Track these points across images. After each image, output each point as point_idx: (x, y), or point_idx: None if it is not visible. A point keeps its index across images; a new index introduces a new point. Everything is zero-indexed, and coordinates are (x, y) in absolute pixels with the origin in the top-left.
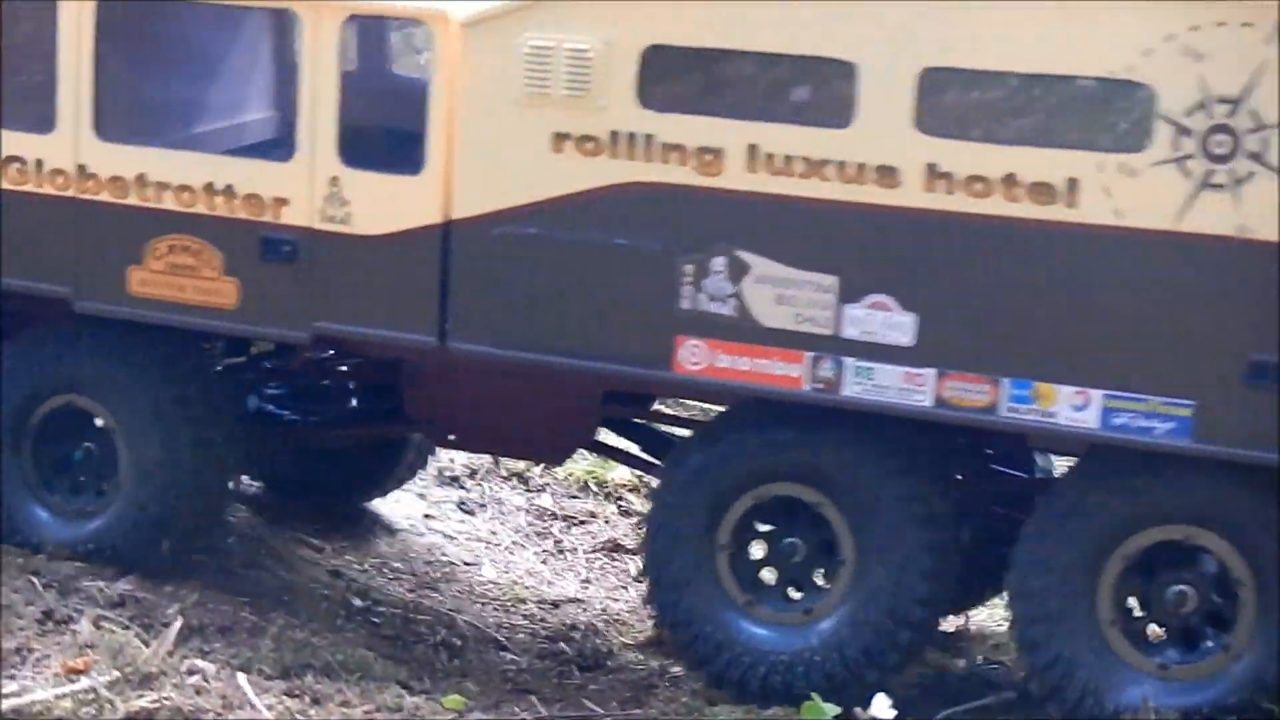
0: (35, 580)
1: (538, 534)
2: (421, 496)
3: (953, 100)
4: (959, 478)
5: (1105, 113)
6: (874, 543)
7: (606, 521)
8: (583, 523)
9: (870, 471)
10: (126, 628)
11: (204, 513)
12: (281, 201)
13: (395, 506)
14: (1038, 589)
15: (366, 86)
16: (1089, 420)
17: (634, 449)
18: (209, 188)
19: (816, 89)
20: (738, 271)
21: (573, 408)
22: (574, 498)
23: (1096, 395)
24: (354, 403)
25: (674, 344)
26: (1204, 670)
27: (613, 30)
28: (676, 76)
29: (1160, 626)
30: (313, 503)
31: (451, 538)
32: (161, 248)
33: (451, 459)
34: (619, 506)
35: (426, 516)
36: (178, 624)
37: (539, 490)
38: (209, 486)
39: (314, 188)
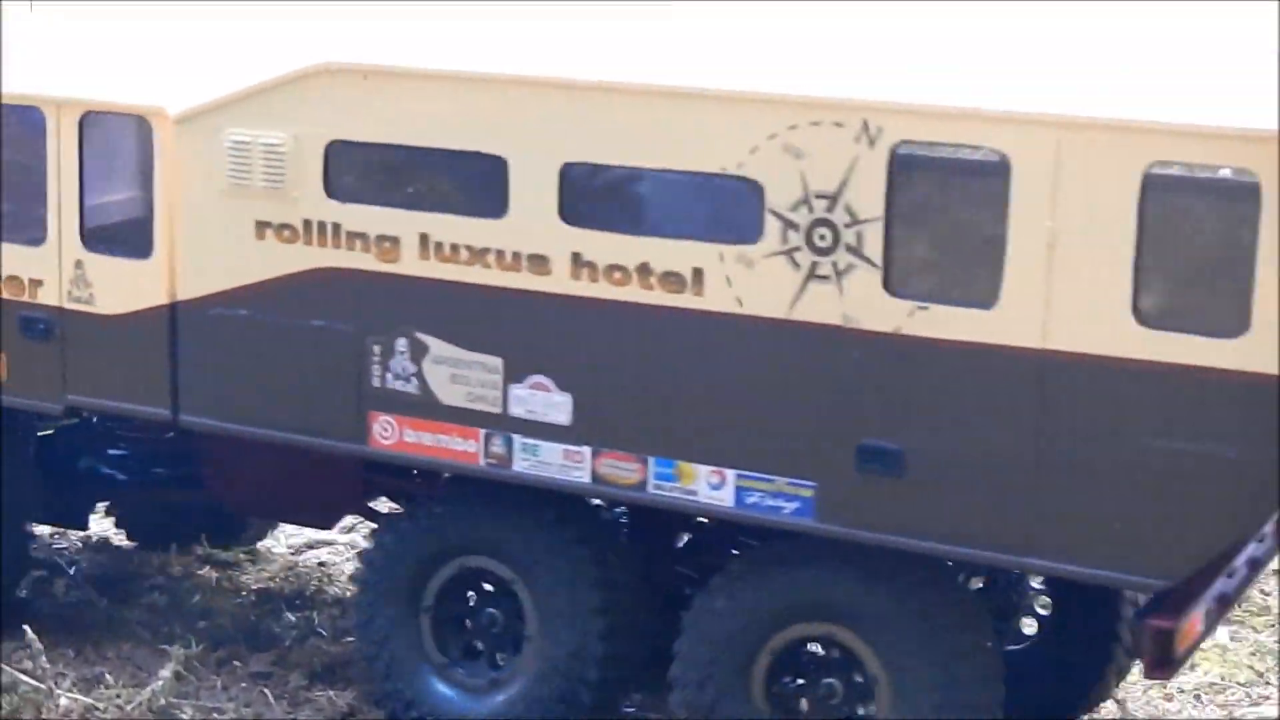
0: None
1: None
2: None
3: (593, 193)
4: (641, 550)
5: (724, 206)
6: (553, 615)
7: None
8: None
9: (545, 545)
10: None
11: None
12: (37, 283)
13: None
14: (694, 678)
15: (107, 176)
16: (725, 499)
17: None
18: None
19: (477, 183)
20: (418, 352)
21: (335, 476)
22: None
23: (730, 475)
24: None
25: (368, 419)
26: None
27: (301, 126)
28: (357, 169)
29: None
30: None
31: None
32: None
33: None
34: None
35: None
36: None
37: None
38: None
39: (62, 271)
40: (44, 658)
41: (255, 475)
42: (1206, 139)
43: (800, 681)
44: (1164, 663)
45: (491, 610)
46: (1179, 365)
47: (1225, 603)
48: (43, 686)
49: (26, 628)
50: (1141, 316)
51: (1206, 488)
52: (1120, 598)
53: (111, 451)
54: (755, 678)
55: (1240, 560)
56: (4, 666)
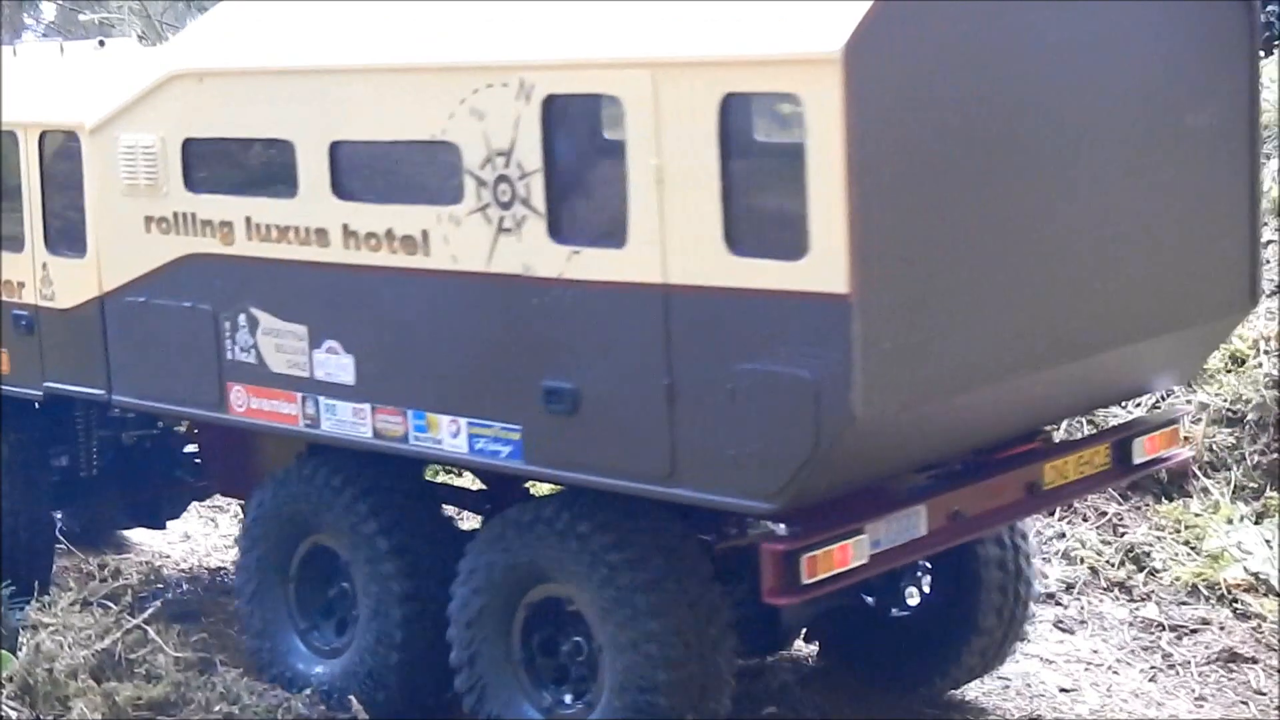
0: None
1: (1143, 648)
2: None
3: (353, 167)
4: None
5: (438, 171)
6: (364, 582)
7: (1221, 628)
8: (1194, 631)
9: (353, 516)
10: None
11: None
12: (21, 285)
13: None
14: (461, 637)
15: (64, 187)
16: (461, 446)
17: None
18: None
19: (278, 167)
20: (253, 325)
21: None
22: (1183, 604)
23: (463, 423)
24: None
25: (226, 390)
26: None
27: (165, 127)
28: (206, 163)
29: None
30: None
31: (1049, 661)
32: None
33: (1045, 575)
34: (1234, 610)
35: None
36: None
37: (1143, 599)
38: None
39: (35, 273)
40: None
41: (224, 451)
42: (763, 67)
43: (553, 639)
44: (784, 588)
45: (343, 584)
46: (761, 290)
47: (913, 550)
48: None
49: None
50: (731, 244)
51: (789, 408)
52: (980, 562)
53: (186, 452)
54: (514, 636)
55: (914, 513)
56: None
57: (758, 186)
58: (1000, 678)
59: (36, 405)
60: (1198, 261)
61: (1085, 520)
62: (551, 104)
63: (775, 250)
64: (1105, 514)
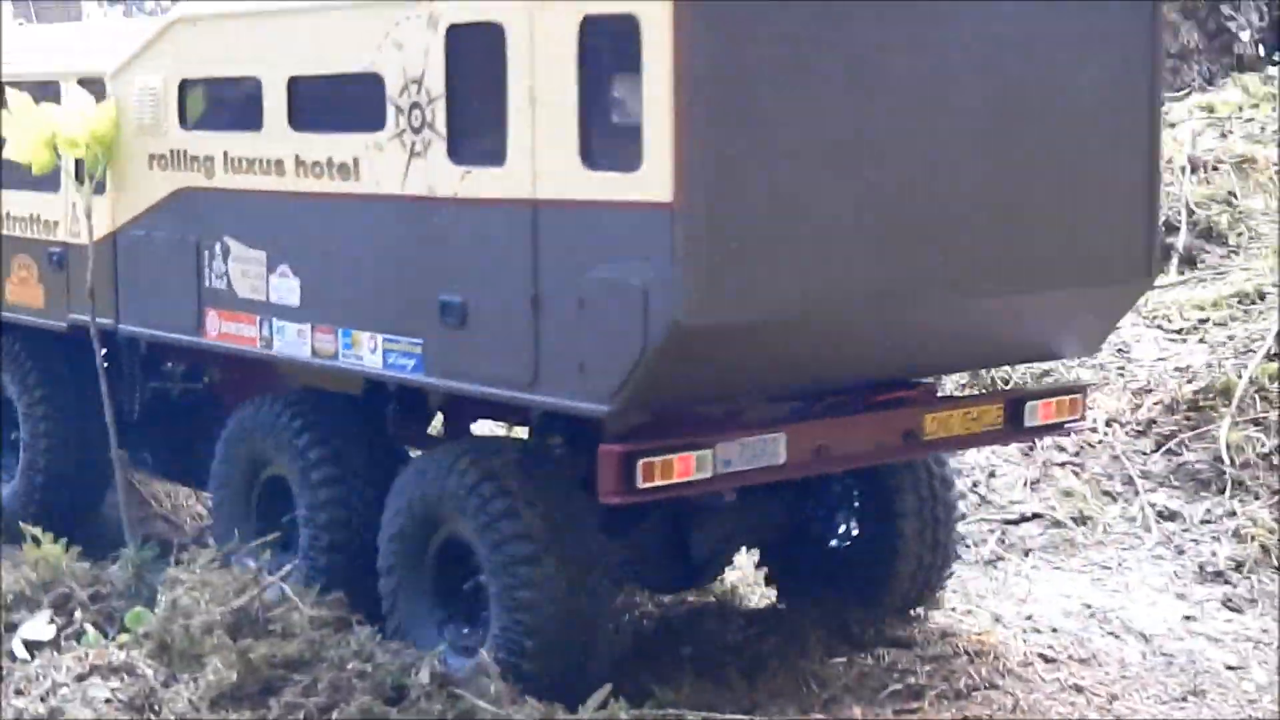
0: None
1: None
2: (1181, 596)
3: (306, 101)
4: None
5: (367, 100)
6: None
7: None
8: None
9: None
10: None
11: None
12: (55, 223)
13: (1151, 610)
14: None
15: None
16: (377, 362)
17: None
18: (32, 218)
19: (251, 103)
20: (225, 253)
21: None
22: None
23: (380, 339)
24: None
25: (204, 315)
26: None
27: (166, 70)
28: (196, 102)
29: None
30: None
31: (1216, 639)
32: (15, 265)
33: (1214, 553)
34: None
35: (1186, 619)
36: None
37: None
38: None
39: (68, 211)
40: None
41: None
42: None
43: (457, 572)
44: (620, 489)
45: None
46: (607, 202)
47: (768, 474)
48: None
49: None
50: (585, 159)
51: (624, 313)
52: (895, 491)
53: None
54: (427, 562)
55: (773, 439)
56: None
57: (609, 105)
58: (1164, 654)
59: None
60: (1089, 227)
61: (1257, 498)
62: (453, 32)
63: (619, 163)
64: (1279, 491)
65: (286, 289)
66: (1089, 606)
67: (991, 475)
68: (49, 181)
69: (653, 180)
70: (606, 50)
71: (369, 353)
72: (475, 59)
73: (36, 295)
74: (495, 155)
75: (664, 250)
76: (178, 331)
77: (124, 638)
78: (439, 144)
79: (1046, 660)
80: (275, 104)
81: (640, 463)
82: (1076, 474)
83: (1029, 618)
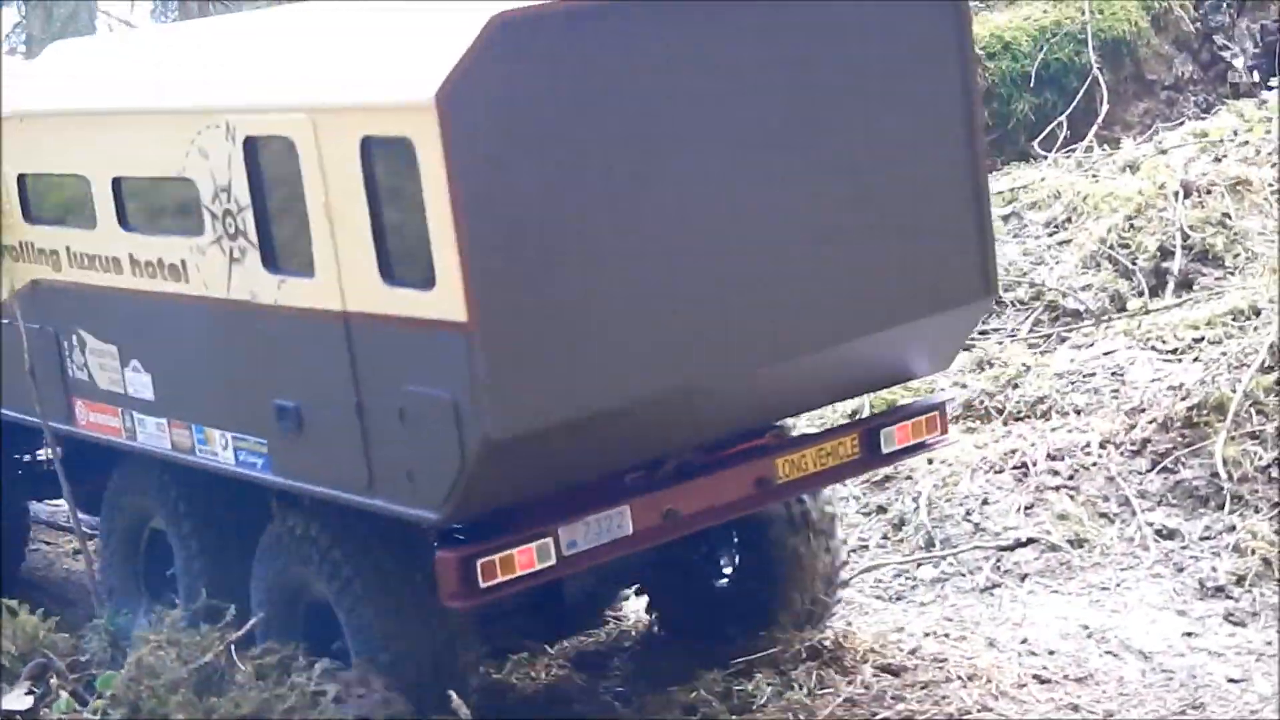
0: None
1: None
2: (1181, 613)
3: (131, 202)
4: None
5: (184, 204)
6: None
7: None
8: None
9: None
10: None
11: None
12: None
13: (1151, 628)
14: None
15: None
16: (230, 459)
17: None
18: None
19: (85, 200)
20: (83, 345)
21: None
22: None
23: (230, 437)
24: None
25: (71, 404)
26: None
27: (10, 162)
28: (37, 196)
29: None
30: None
31: (1218, 654)
32: None
33: (1214, 569)
34: None
35: (1187, 635)
36: None
37: None
38: None
39: None
40: None
41: None
42: (382, 113)
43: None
44: (463, 592)
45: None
46: (410, 318)
47: (620, 547)
48: None
49: (452, 694)
50: (384, 275)
51: (440, 427)
52: (769, 526)
53: None
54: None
55: (617, 513)
56: None
57: (398, 222)
58: (1164, 670)
59: None
60: (924, 258)
61: (1257, 511)
62: (249, 144)
63: (414, 281)
64: (1279, 504)
65: (141, 383)
66: (1086, 627)
67: (984, 503)
68: None
69: (446, 300)
70: (390, 169)
71: (221, 449)
72: (274, 170)
73: None
74: (305, 266)
75: (466, 368)
76: (54, 420)
77: (98, 703)
78: (253, 252)
79: (1041, 681)
80: (104, 203)
81: (480, 563)
82: (1072, 497)
83: (1024, 641)
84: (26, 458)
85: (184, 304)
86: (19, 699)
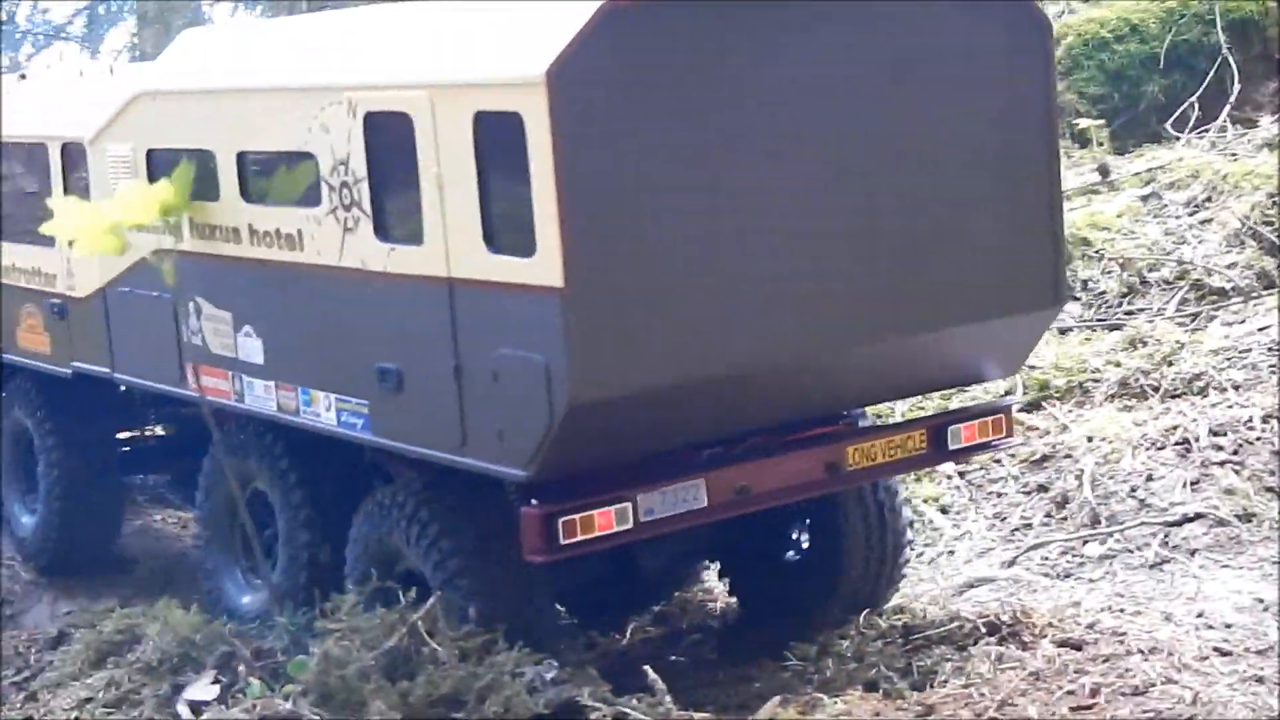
0: None
1: None
2: None
3: (253, 174)
4: None
5: (304, 177)
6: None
7: None
8: None
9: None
10: None
11: None
12: (54, 276)
13: None
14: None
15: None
16: (332, 419)
17: None
18: (33, 270)
19: (212, 173)
20: (199, 312)
21: None
22: None
23: (333, 398)
24: None
25: (184, 368)
26: None
27: (134, 139)
28: (160, 169)
29: None
30: None
31: None
32: (23, 313)
33: None
34: None
35: None
36: None
37: None
38: None
39: (63, 266)
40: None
41: None
42: (495, 89)
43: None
44: (544, 547)
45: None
46: (510, 284)
47: (694, 518)
48: None
49: (648, 668)
50: (489, 243)
51: (531, 389)
52: (843, 514)
53: None
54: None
55: (694, 485)
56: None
57: (505, 193)
58: None
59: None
60: (995, 261)
61: None
62: (370, 120)
63: (516, 249)
64: None
65: (252, 348)
66: (1261, 601)
67: (1149, 479)
68: (46, 236)
69: (544, 267)
70: (500, 142)
71: (324, 410)
72: (391, 144)
73: (43, 342)
74: (414, 235)
75: (559, 332)
76: (164, 382)
77: (289, 688)
78: (366, 222)
79: (1223, 654)
80: (228, 177)
81: (561, 521)
82: (1237, 472)
83: (1200, 615)
84: (126, 434)
85: (298, 272)
86: (205, 689)
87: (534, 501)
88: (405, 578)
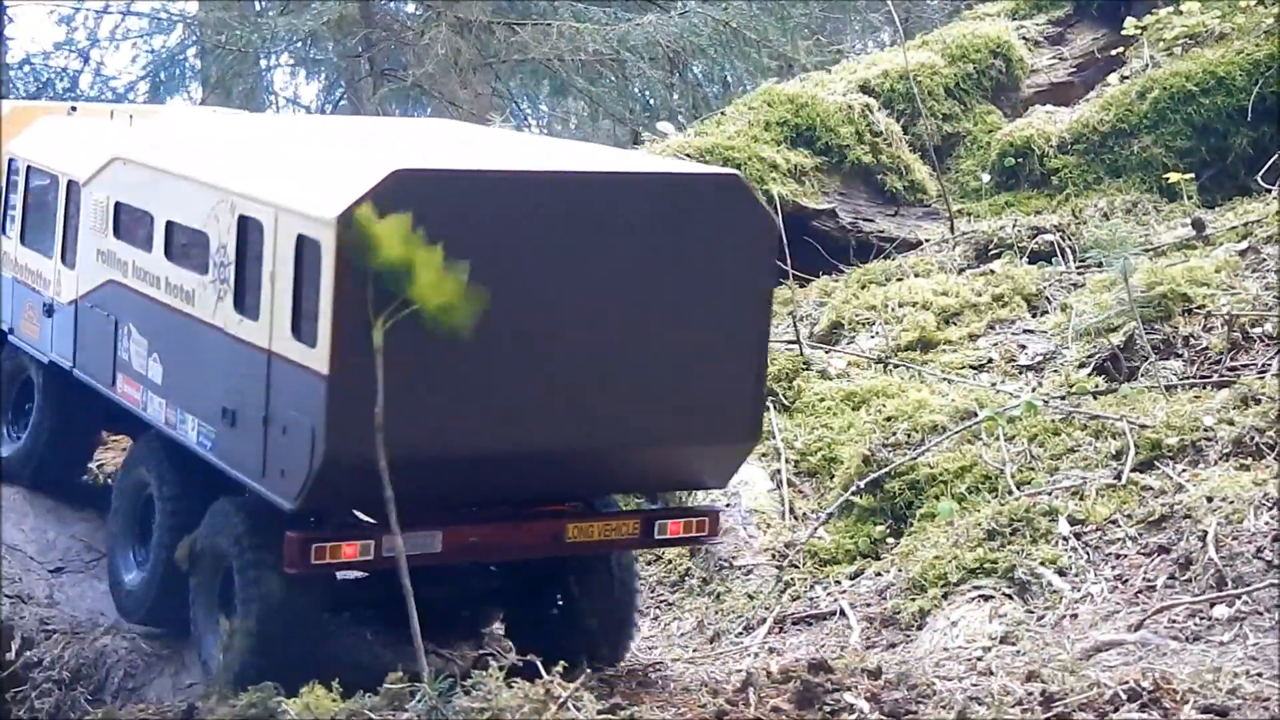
0: None
1: None
2: None
3: (174, 240)
4: None
5: (201, 251)
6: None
7: None
8: None
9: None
10: None
11: None
12: (48, 280)
13: None
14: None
15: (71, 216)
16: (194, 438)
17: None
18: (35, 273)
19: (144, 229)
20: (129, 334)
21: None
22: None
23: (197, 421)
24: None
25: (117, 377)
26: None
27: (107, 190)
28: (123, 220)
29: None
30: None
31: None
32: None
33: None
34: None
35: None
36: None
37: None
38: None
39: (55, 273)
40: None
41: None
42: (304, 219)
43: None
44: (297, 563)
45: None
46: (303, 364)
47: (425, 559)
48: None
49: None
50: (293, 331)
51: (302, 443)
52: (581, 577)
53: None
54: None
55: (430, 535)
56: None
57: (306, 296)
58: None
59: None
60: (701, 402)
61: None
62: (241, 220)
63: (307, 339)
64: None
65: (156, 370)
66: None
67: (1275, 539)
68: (46, 245)
69: (320, 357)
70: (309, 259)
71: (191, 429)
72: (251, 241)
73: (35, 332)
74: (254, 312)
75: (322, 405)
76: (102, 384)
77: None
78: (230, 294)
79: None
80: (159, 237)
81: (314, 545)
82: None
83: None
84: None
85: (188, 321)
86: None
87: (296, 529)
88: (227, 575)
